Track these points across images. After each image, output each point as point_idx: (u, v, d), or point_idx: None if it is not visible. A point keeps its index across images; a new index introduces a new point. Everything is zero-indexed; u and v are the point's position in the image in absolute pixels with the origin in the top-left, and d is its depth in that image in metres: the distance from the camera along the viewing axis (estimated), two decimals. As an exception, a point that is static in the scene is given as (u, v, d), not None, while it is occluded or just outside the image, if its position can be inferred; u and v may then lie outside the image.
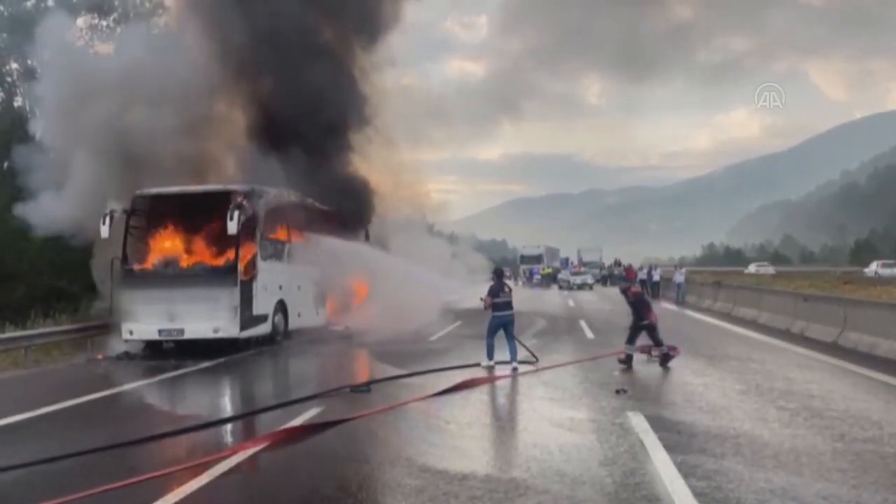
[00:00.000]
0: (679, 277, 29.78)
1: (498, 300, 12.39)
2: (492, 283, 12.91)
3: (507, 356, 12.09)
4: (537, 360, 12.32)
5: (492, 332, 12.43)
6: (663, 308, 27.12)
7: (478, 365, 12.16)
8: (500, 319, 12.37)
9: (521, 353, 12.30)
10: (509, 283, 14.07)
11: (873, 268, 57.65)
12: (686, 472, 5.94)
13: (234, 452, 6.89)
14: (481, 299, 12.73)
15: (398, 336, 16.36)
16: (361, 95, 21.19)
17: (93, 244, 16.45)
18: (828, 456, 6.47)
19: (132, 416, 9.69)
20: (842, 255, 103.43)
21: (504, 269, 15.09)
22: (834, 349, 13.74)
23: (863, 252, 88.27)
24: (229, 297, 14.37)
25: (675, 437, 7.13)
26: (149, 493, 5.71)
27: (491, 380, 11.06)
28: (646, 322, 12.23)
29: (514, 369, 11.78)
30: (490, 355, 12.30)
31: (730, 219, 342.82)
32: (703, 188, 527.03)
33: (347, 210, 19.86)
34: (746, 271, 67.99)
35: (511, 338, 12.34)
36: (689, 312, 24.51)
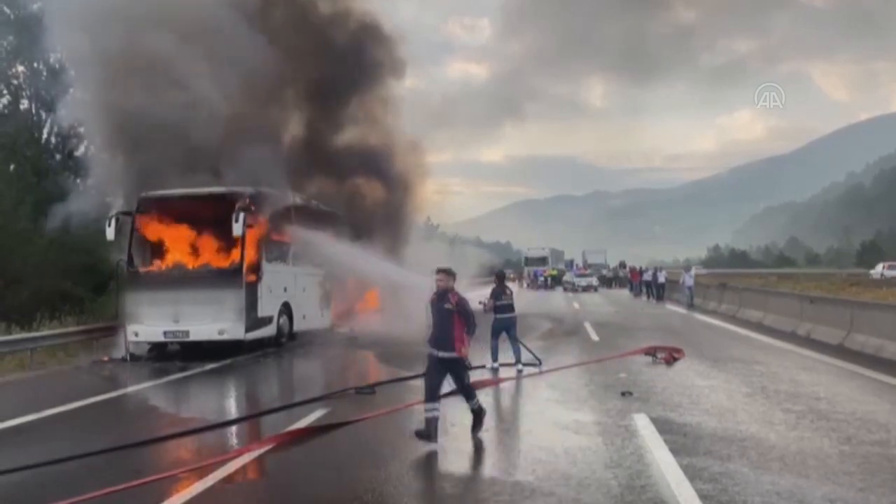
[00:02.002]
0: (688, 280, 29.00)
1: (499, 303, 12.42)
2: (493, 285, 12.96)
3: (511, 358, 12.10)
4: (540, 362, 12.31)
5: (495, 335, 12.45)
6: (669, 311, 27.11)
7: (483, 367, 12.15)
8: (502, 322, 12.40)
9: (526, 356, 12.28)
10: (511, 285, 14.09)
11: (879, 269, 57.46)
12: (692, 474, 5.92)
13: (240, 454, 6.89)
14: (480, 303, 12.79)
15: (403, 337, 16.35)
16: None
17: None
18: (834, 458, 6.44)
19: (137, 418, 9.72)
20: (847, 257, 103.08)
21: (506, 271, 15.09)
22: (840, 351, 13.68)
23: (869, 254, 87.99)
24: (235, 298, 14.39)
25: (681, 440, 7.11)
26: (154, 495, 5.72)
27: (496, 382, 11.04)
28: (453, 356, 7.51)
29: (519, 371, 11.79)
30: (494, 357, 12.32)
31: (735, 221, 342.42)
32: (707, 190, 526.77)
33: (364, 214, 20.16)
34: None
35: (514, 340, 12.36)
36: (697, 315, 24.42)
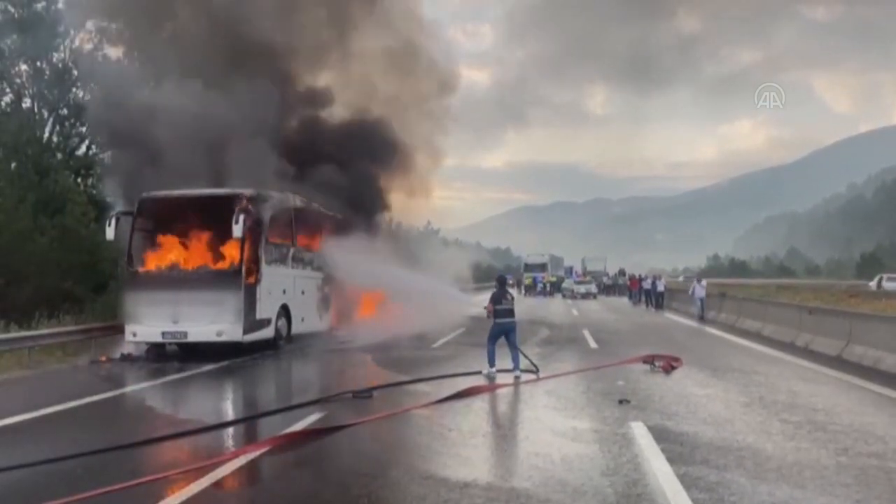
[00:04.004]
0: (700, 291, 26.75)
1: (499, 307, 12.39)
2: (494, 290, 12.95)
3: (509, 364, 12.07)
4: (537, 369, 12.28)
5: (493, 339, 12.42)
6: (669, 319, 27.08)
7: (480, 372, 12.13)
8: (501, 326, 12.36)
9: (524, 362, 12.26)
10: (512, 291, 14.07)
11: (876, 281, 57.35)
12: (688, 483, 5.91)
13: (236, 456, 6.88)
14: (486, 308, 12.83)
15: (401, 342, 16.35)
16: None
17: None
18: (831, 470, 6.43)
19: (134, 418, 9.71)
20: (848, 268, 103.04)
21: (508, 276, 15.07)
22: (838, 363, 13.67)
23: (869, 266, 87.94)
24: (233, 300, 14.39)
25: (678, 449, 7.10)
26: (150, 495, 5.71)
27: (494, 388, 11.03)
28: None
29: (517, 377, 11.76)
30: (491, 362, 12.26)
31: (736, 230, 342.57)
32: (709, 199, 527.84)
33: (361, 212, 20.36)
34: None
35: (513, 345, 12.33)
36: (697, 325, 24.36)
